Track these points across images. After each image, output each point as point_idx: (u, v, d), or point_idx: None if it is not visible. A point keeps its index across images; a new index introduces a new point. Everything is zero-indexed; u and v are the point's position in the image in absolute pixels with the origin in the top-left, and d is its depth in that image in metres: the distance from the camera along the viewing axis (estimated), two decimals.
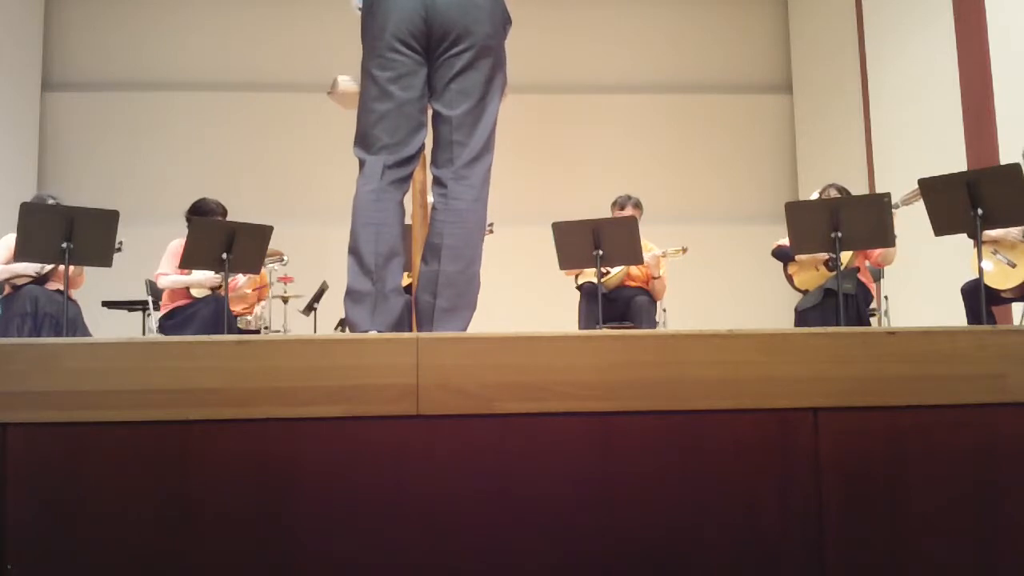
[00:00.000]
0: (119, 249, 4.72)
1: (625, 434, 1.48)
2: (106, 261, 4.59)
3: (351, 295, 2.30)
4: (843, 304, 4.65)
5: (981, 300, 4.25)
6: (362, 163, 2.36)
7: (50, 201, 5.07)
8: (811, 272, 5.20)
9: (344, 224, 2.37)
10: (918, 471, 1.50)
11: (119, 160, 8.36)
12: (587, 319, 5.49)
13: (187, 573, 1.40)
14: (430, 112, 2.43)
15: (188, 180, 7.79)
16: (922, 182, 4.31)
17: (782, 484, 1.48)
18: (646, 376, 1.49)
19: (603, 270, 5.32)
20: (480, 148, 2.37)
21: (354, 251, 2.31)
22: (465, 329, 2.31)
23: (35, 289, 4.87)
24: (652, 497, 1.47)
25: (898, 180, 5.44)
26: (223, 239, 4.70)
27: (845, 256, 4.87)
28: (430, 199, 2.43)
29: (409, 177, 2.39)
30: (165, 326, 5.17)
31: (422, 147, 2.41)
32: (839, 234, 4.53)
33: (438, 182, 2.38)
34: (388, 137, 2.33)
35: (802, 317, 5.10)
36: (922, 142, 6.57)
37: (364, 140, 2.36)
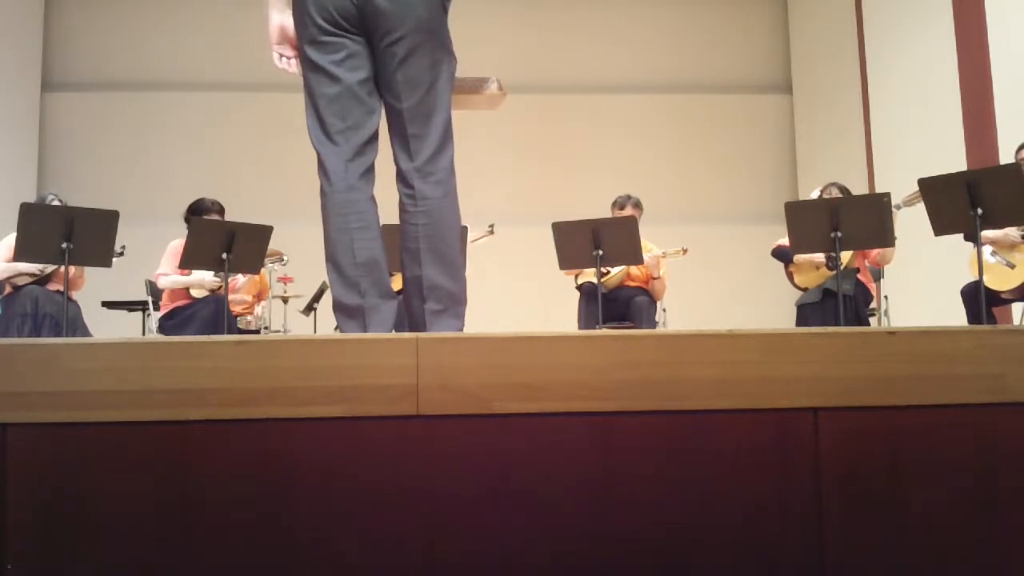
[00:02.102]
0: (121, 254, 4.73)
1: (625, 434, 1.48)
2: (106, 261, 4.60)
3: (342, 309, 2.23)
4: (842, 304, 4.65)
5: (981, 300, 4.25)
6: (321, 161, 2.26)
7: (54, 201, 5.07)
8: (811, 272, 5.21)
9: None
10: (918, 471, 1.50)
11: (119, 160, 8.36)
12: (587, 319, 5.49)
13: (187, 573, 1.40)
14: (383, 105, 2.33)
15: (188, 180, 7.79)
16: (922, 182, 4.31)
17: (782, 484, 1.48)
18: (646, 376, 1.49)
19: (603, 270, 5.33)
20: (440, 139, 2.28)
21: (332, 261, 2.23)
22: (461, 327, 2.27)
23: (35, 289, 4.88)
24: (652, 497, 1.47)
25: (898, 180, 5.44)
26: (223, 239, 4.70)
27: (845, 256, 4.88)
28: None
29: (372, 169, 2.29)
30: (165, 326, 5.17)
31: (377, 131, 2.30)
32: (839, 234, 4.54)
33: (403, 181, 2.28)
34: (340, 121, 2.24)
35: (802, 313, 5.12)
36: (922, 142, 6.57)
37: (320, 126, 2.26)
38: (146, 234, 5.92)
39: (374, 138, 2.30)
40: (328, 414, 1.44)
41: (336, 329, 2.44)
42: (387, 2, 2.21)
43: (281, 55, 2.41)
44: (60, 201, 5.12)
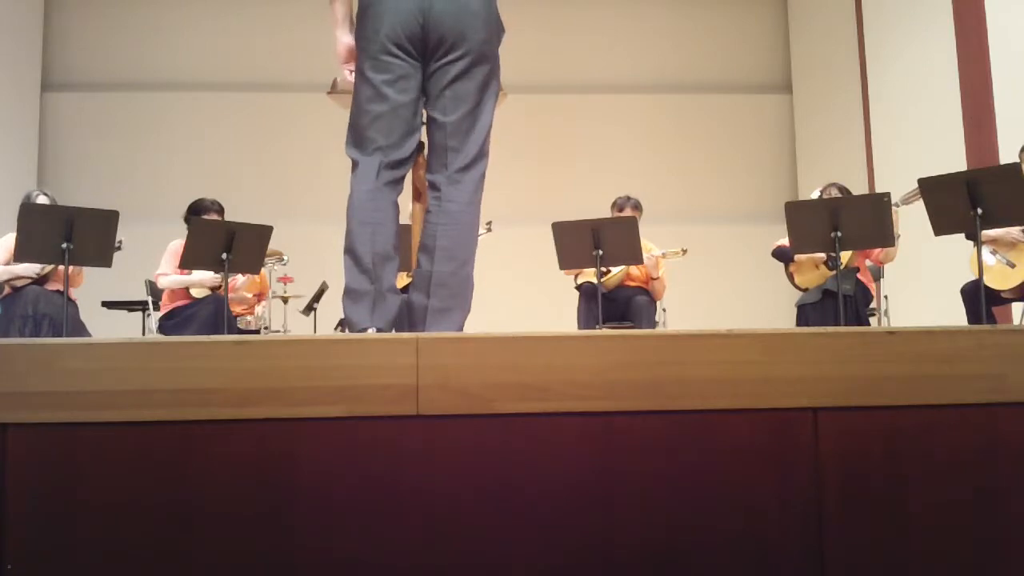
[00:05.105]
0: (119, 247, 4.71)
1: (625, 434, 1.48)
2: (106, 261, 4.59)
3: (350, 294, 2.32)
4: (842, 304, 4.65)
5: (981, 300, 4.25)
6: (356, 163, 2.38)
7: (41, 198, 5.05)
8: (811, 272, 5.21)
9: (344, 224, 2.37)
10: (918, 471, 1.50)
11: (119, 160, 8.35)
12: (587, 319, 5.49)
13: (187, 573, 1.40)
14: (424, 117, 2.45)
15: (188, 180, 7.79)
16: (922, 182, 4.31)
17: (782, 484, 1.48)
18: (646, 376, 1.49)
19: (603, 270, 5.32)
20: (475, 154, 2.40)
21: (350, 251, 2.33)
22: (458, 330, 2.32)
23: (35, 290, 4.87)
24: (652, 497, 1.47)
25: (898, 180, 5.44)
26: (223, 239, 4.70)
27: (845, 256, 4.88)
28: None
29: (403, 179, 2.42)
30: (165, 326, 5.17)
31: (414, 152, 2.43)
32: (839, 234, 4.54)
33: (433, 187, 2.41)
34: (383, 139, 2.35)
35: (803, 312, 5.11)
36: (922, 142, 6.57)
37: (358, 141, 2.38)
38: (146, 234, 5.91)
39: (410, 159, 2.42)
40: (328, 414, 1.44)
41: (337, 327, 2.46)
42: (451, 24, 2.34)
43: (351, 72, 2.54)
44: (47, 196, 5.11)
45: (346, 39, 2.51)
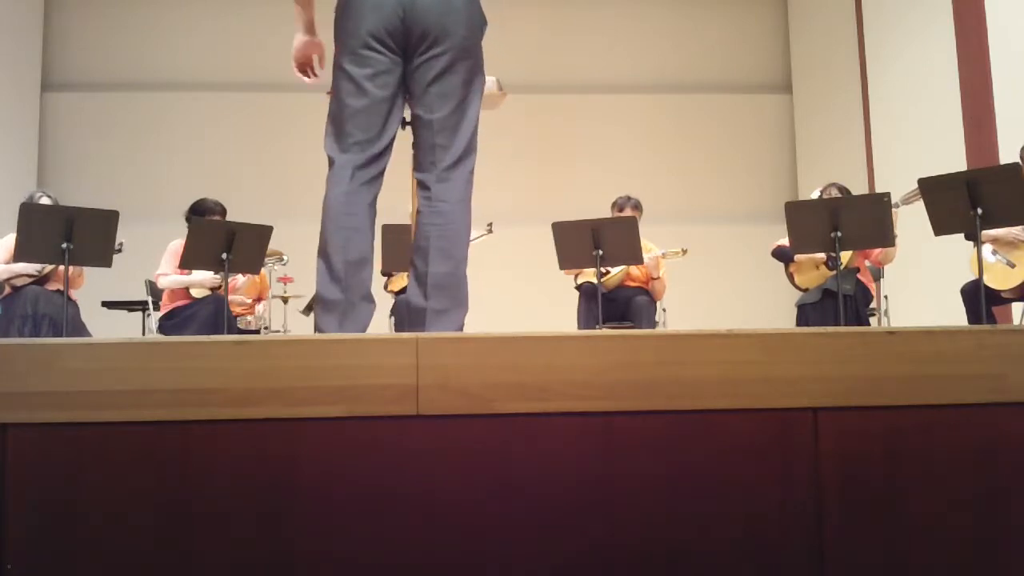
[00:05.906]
0: (119, 250, 4.72)
1: (625, 434, 1.48)
2: (106, 261, 4.59)
3: (321, 303, 2.30)
4: (842, 304, 4.65)
5: (981, 300, 4.25)
6: (332, 162, 2.36)
7: (44, 199, 5.06)
8: (811, 272, 5.21)
9: None
10: (918, 471, 1.50)
11: (119, 160, 8.35)
12: (587, 319, 5.49)
13: (187, 573, 1.40)
14: (408, 115, 2.44)
15: (188, 180, 7.78)
16: (922, 182, 4.31)
17: (782, 484, 1.48)
18: (646, 376, 1.49)
19: (603, 270, 5.32)
20: (462, 150, 2.38)
21: (324, 255, 2.31)
22: (458, 329, 2.31)
23: (35, 290, 4.87)
24: (652, 497, 1.47)
25: (898, 180, 5.44)
26: (223, 239, 4.70)
27: (845, 256, 4.88)
28: None
29: (379, 177, 2.39)
30: (165, 326, 5.17)
31: (391, 143, 2.39)
32: (839, 234, 4.54)
33: (422, 186, 2.38)
34: (361, 133, 2.33)
35: (803, 312, 5.12)
36: (922, 142, 6.57)
37: (337, 135, 2.36)
38: (146, 234, 5.91)
39: (387, 151, 2.39)
40: (328, 414, 1.44)
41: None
42: (433, 20, 2.32)
43: (302, 75, 2.58)
44: (50, 197, 5.11)
45: (299, 39, 2.53)
